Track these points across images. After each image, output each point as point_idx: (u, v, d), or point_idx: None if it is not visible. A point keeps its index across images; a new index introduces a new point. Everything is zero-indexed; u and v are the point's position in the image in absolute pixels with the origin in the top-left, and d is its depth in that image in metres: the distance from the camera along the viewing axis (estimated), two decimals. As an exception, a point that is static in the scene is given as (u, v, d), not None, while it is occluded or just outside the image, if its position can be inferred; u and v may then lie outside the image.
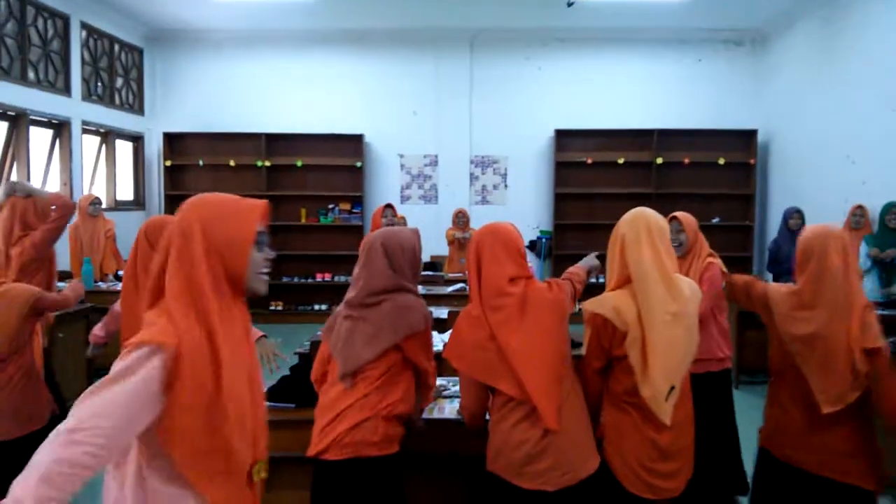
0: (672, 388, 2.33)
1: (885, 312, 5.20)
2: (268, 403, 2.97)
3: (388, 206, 6.20)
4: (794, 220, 7.17)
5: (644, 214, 2.47)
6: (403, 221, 8.13)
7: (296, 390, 2.99)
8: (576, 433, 2.40)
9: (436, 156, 10.26)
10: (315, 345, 2.94)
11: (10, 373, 3.31)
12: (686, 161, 9.83)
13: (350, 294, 2.73)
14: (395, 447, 2.61)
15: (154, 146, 10.16)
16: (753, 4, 8.74)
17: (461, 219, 8.49)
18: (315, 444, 2.60)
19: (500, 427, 2.45)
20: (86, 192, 8.49)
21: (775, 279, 7.26)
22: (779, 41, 9.45)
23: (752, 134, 9.79)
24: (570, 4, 8.68)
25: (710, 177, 9.90)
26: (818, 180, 8.30)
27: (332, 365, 2.72)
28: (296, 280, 10.05)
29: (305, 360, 3.33)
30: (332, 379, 2.68)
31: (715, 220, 9.79)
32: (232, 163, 9.93)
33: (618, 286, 2.44)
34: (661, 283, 2.34)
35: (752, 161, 9.78)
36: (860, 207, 6.96)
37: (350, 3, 8.79)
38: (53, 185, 8.33)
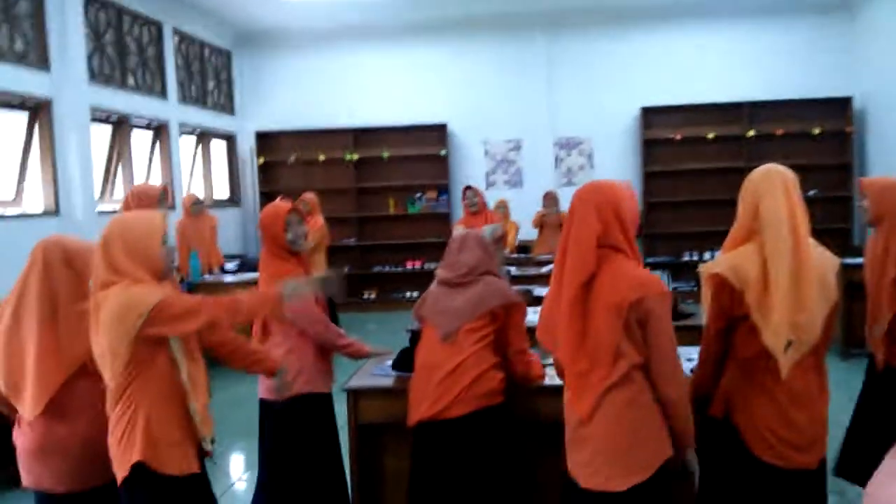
0: (790, 342, 2.28)
1: None
2: (395, 373, 3.19)
3: (469, 187, 6.37)
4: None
5: (778, 168, 2.42)
6: (504, 208, 8.19)
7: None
8: (619, 439, 2.19)
9: (519, 140, 10.27)
10: (421, 320, 3.10)
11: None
12: (779, 133, 9.55)
13: (445, 274, 2.96)
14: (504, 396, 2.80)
15: (246, 145, 10.50)
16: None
17: (550, 201, 8.51)
18: (430, 406, 2.72)
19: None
20: (185, 192, 8.86)
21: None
22: (870, 4, 9.05)
23: (846, 101, 9.43)
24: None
25: (804, 148, 9.58)
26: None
27: (427, 330, 2.90)
28: (387, 269, 10.25)
29: (417, 335, 3.46)
30: (429, 345, 2.84)
31: (812, 193, 9.47)
32: (321, 158, 10.17)
33: (743, 241, 2.38)
34: (790, 236, 2.27)
35: (848, 129, 9.43)
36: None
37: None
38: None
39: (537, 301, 5.00)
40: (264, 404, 3.29)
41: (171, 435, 2.32)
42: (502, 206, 8.29)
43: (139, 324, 2.21)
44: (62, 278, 2.48)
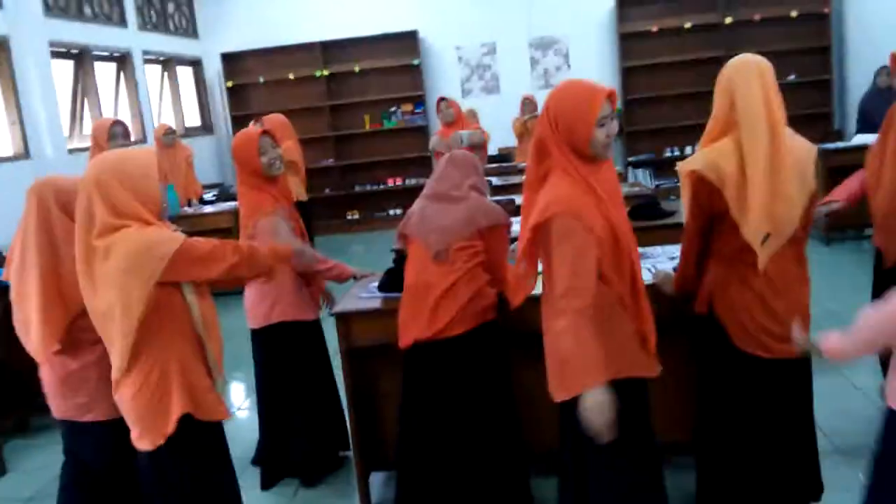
0: (767, 235, 2.27)
1: None
2: (378, 294, 3.13)
3: (443, 98, 6.22)
4: (881, 77, 6.83)
5: (754, 58, 2.35)
6: (474, 117, 8.05)
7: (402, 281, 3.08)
8: None
9: (493, 43, 10.00)
10: (405, 238, 3.06)
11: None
12: (756, 18, 9.35)
13: (433, 188, 2.89)
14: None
15: (213, 69, 10.18)
16: None
17: (528, 105, 8.36)
18: (427, 326, 2.69)
19: None
20: (156, 123, 8.64)
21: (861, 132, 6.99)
22: None
23: (826, -19, 9.21)
24: None
25: (782, 32, 9.39)
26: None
27: (415, 248, 2.83)
28: (368, 188, 10.15)
29: (402, 254, 3.44)
30: (420, 264, 2.78)
31: (791, 78, 9.35)
32: (291, 76, 9.90)
33: (720, 135, 2.33)
34: (766, 128, 2.24)
35: (826, 10, 9.23)
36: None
37: None
38: (124, 119, 8.49)
39: (517, 211, 4.97)
40: (253, 334, 3.36)
41: (204, 381, 2.28)
42: (471, 115, 8.15)
43: (160, 269, 2.09)
44: (58, 222, 2.37)
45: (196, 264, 2.20)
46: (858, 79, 8.39)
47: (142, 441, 2.23)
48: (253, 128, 3.31)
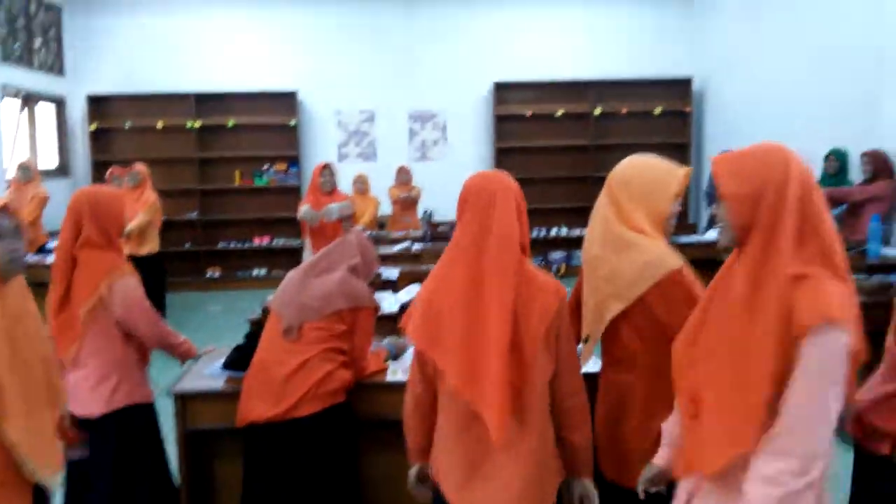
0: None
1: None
2: (226, 373, 2.94)
3: (326, 166, 5.94)
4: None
5: (622, 163, 2.34)
6: (362, 183, 7.99)
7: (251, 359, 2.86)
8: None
9: (373, 111, 10.05)
10: (267, 311, 2.89)
11: None
12: (623, 111, 9.82)
13: (307, 261, 2.85)
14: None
15: (77, 109, 9.72)
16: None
17: (404, 176, 8.37)
18: (273, 405, 2.54)
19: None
20: (9, 161, 8.09)
21: (712, 226, 7.34)
22: (712, -12, 9.43)
23: (687, 82, 9.81)
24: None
25: (647, 126, 9.91)
26: (752, 128, 8.36)
27: (272, 321, 2.73)
28: (232, 245, 9.81)
29: (259, 328, 3.23)
30: (272, 339, 2.67)
31: (653, 170, 9.81)
32: (160, 125, 9.56)
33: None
34: (598, 226, 2.25)
35: (687, 109, 9.82)
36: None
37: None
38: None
39: (386, 285, 4.87)
40: (87, 424, 2.77)
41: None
42: (361, 181, 8.09)
43: None
44: None
45: None
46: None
47: None
48: (120, 184, 3.05)
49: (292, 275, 2.80)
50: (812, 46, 7.13)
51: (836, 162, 6.43)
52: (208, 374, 2.98)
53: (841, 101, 6.64)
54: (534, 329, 1.88)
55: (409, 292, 4.13)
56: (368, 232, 7.51)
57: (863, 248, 5.28)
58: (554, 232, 9.95)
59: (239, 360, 2.91)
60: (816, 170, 6.54)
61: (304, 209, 5.74)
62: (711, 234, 7.01)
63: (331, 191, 5.83)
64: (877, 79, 6.16)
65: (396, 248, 6.85)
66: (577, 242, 9.67)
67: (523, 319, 1.88)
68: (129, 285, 2.76)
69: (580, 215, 9.72)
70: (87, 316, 2.67)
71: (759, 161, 1.62)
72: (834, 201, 5.86)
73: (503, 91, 9.83)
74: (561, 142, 9.86)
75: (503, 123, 9.86)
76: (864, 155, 6.00)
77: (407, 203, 8.33)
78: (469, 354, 1.85)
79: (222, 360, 3.01)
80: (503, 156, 9.88)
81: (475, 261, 1.90)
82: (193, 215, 9.66)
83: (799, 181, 1.57)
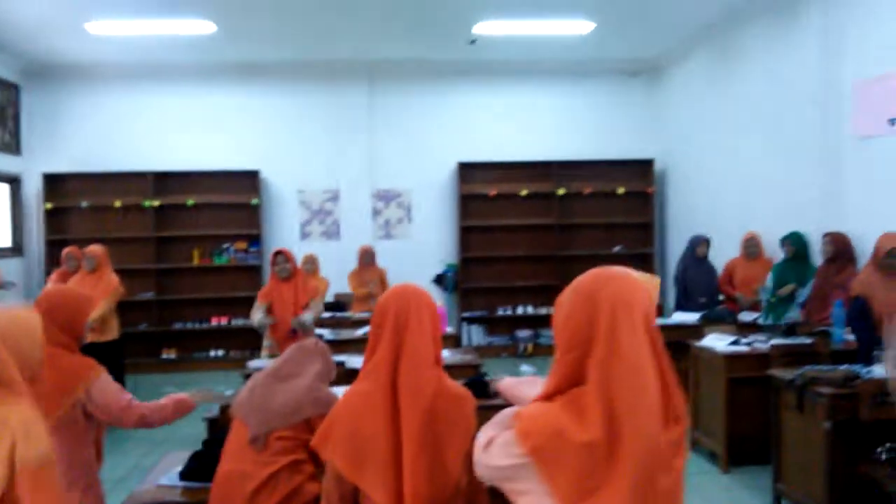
0: None
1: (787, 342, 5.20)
2: (183, 484, 2.75)
3: (278, 253, 5.63)
4: (701, 247, 7.26)
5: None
6: (312, 264, 7.80)
7: (212, 467, 2.65)
8: None
9: (337, 190, 9.98)
10: (226, 409, 2.72)
11: None
12: (587, 191, 9.88)
13: (270, 366, 2.74)
14: None
15: (33, 188, 9.51)
16: (648, 37, 8.89)
17: (367, 257, 8.20)
18: None
19: None
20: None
21: (680, 308, 7.28)
22: (673, 72, 9.66)
23: (649, 163, 9.94)
24: (472, 42, 8.67)
25: (610, 206, 9.97)
26: (713, 208, 8.44)
27: (236, 429, 2.58)
28: (189, 326, 9.52)
29: (218, 430, 3.02)
30: (238, 448, 2.52)
31: (617, 249, 9.85)
32: (118, 204, 9.37)
33: None
34: None
35: (649, 190, 9.92)
36: (753, 236, 7.05)
37: (244, 36, 8.46)
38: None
39: (353, 374, 4.33)
40: None
41: None
42: (310, 262, 7.92)
43: None
44: None
45: None
46: (677, 254, 8.87)
47: None
48: (76, 266, 2.90)
49: (257, 379, 2.68)
50: (768, 128, 7.25)
51: (793, 247, 6.40)
52: (164, 485, 2.78)
53: (801, 184, 6.71)
54: (458, 444, 1.97)
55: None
56: (326, 314, 7.30)
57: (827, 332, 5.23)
58: (520, 311, 9.83)
59: (197, 469, 2.74)
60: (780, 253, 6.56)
61: (258, 316, 5.44)
62: (678, 317, 6.94)
63: (288, 277, 5.59)
64: (835, 161, 6.24)
65: (360, 331, 6.66)
66: (543, 321, 9.58)
67: (446, 435, 1.97)
68: (106, 380, 2.76)
69: (546, 294, 9.64)
70: (62, 420, 2.59)
71: None
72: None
73: (467, 171, 9.85)
74: (525, 221, 9.86)
75: (468, 202, 9.85)
76: (826, 235, 5.98)
77: (370, 280, 8.16)
78: (394, 476, 1.92)
79: (178, 469, 2.84)
80: (468, 234, 9.84)
81: (392, 383, 1.99)
82: (150, 295, 9.38)
83: None
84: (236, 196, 9.62)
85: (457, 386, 2.08)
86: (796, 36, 6.75)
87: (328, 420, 2.06)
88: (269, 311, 5.49)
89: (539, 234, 9.84)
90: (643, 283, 1.63)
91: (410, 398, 1.95)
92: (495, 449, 1.57)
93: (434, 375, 2.02)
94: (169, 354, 9.38)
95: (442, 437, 1.96)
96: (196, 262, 9.58)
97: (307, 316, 5.46)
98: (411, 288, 2.12)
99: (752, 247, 7.03)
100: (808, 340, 5.17)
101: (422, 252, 9.96)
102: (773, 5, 7.11)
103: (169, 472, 2.87)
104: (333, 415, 2.06)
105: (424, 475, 1.90)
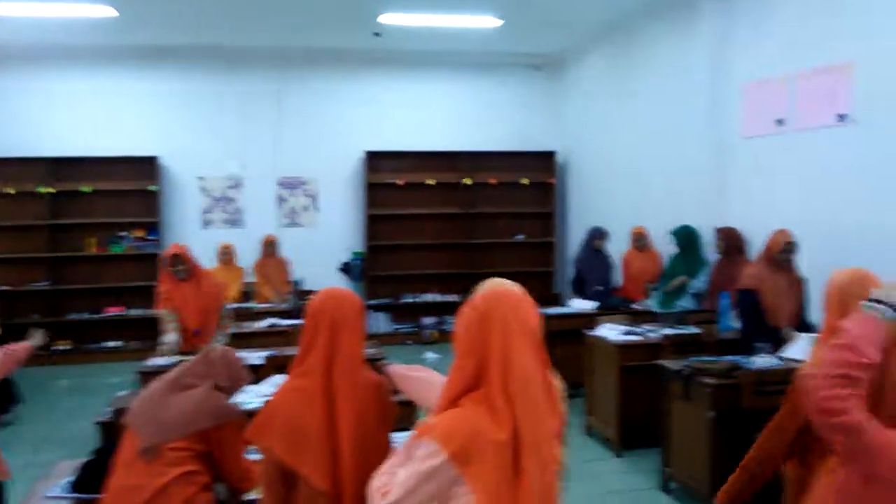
0: None
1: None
2: (72, 496, 2.64)
3: (175, 255, 5.27)
4: (598, 240, 7.54)
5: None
6: (227, 255, 7.69)
7: (103, 477, 2.55)
8: None
9: (240, 176, 9.81)
10: (120, 412, 2.64)
11: None
12: (492, 181, 10.07)
13: (168, 374, 2.70)
14: None
15: (-89, 172, 8.94)
16: (552, 33, 9.07)
17: (270, 248, 8.17)
18: None
19: None
20: None
21: (577, 294, 7.54)
22: (575, 68, 9.92)
23: (551, 155, 10.21)
24: (376, 34, 8.66)
25: (515, 196, 10.20)
26: (609, 200, 8.78)
27: (128, 440, 2.50)
28: (84, 316, 9.20)
29: (109, 435, 2.93)
30: (129, 460, 2.44)
31: (519, 238, 10.11)
32: (11, 190, 8.93)
33: None
34: None
35: (551, 181, 10.19)
36: (640, 230, 7.38)
37: (146, 20, 8.13)
38: None
39: (255, 371, 4.21)
40: None
41: None
42: (225, 252, 7.82)
43: None
44: None
45: None
46: (576, 243, 9.17)
47: None
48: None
49: (153, 388, 2.62)
50: (661, 125, 7.59)
51: (678, 241, 6.62)
52: (54, 496, 2.67)
53: (691, 179, 7.05)
54: (385, 427, 2.22)
55: (272, 384, 3.88)
56: (236, 305, 7.20)
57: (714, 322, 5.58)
58: (428, 298, 9.96)
59: (89, 479, 2.65)
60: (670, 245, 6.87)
61: (171, 339, 5.10)
62: (576, 304, 7.21)
63: (187, 278, 5.31)
64: (724, 158, 6.60)
65: (263, 323, 6.61)
66: (449, 308, 9.73)
67: (375, 421, 2.18)
68: None
69: (452, 281, 9.81)
70: None
71: None
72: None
73: (375, 160, 9.86)
74: (432, 210, 9.97)
75: (375, 191, 9.87)
76: (718, 231, 6.33)
77: (271, 271, 8.09)
78: (332, 461, 2.08)
79: (68, 479, 2.73)
80: (375, 223, 9.87)
81: (327, 382, 2.13)
82: (43, 285, 9.00)
83: None
84: (134, 183, 9.31)
85: (374, 374, 2.25)
86: (691, 37, 7.07)
87: (263, 414, 2.14)
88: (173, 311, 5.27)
89: (445, 222, 9.97)
90: (531, 300, 1.82)
91: (346, 396, 2.11)
92: (416, 461, 1.69)
93: (366, 374, 2.21)
94: (63, 346, 9.02)
95: (371, 424, 2.15)
96: (92, 250, 9.24)
97: (220, 340, 5.31)
98: (343, 291, 2.28)
99: (639, 240, 7.38)
100: (697, 330, 5.51)
101: (328, 240, 9.93)
102: (670, 7, 7.42)
103: (59, 484, 2.75)
104: (270, 408, 2.14)
105: (360, 459, 2.07)
